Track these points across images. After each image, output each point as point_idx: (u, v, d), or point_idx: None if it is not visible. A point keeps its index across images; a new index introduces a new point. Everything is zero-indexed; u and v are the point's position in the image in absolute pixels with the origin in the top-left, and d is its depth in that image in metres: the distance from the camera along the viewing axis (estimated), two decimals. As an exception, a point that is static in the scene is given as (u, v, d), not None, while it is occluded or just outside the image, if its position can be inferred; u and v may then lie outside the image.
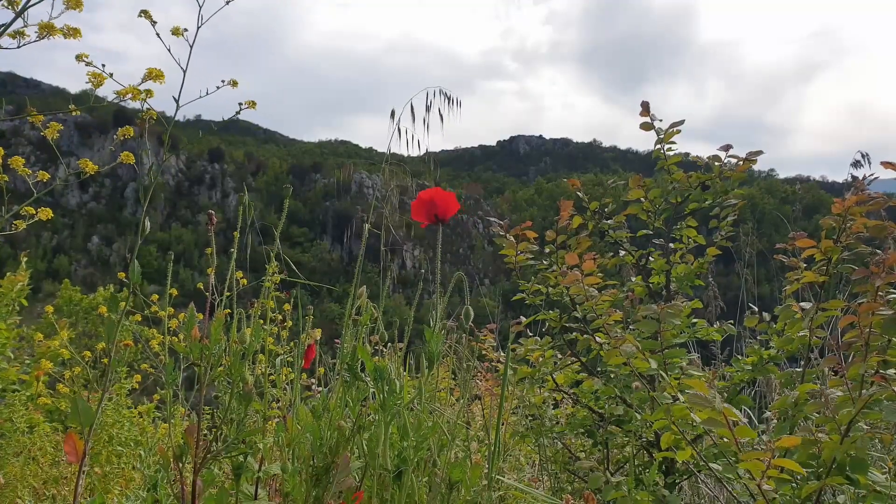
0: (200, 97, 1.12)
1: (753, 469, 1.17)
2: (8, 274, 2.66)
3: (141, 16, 1.08)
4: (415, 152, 2.71)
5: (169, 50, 1.08)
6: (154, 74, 1.09)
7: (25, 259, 2.70)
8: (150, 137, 1.15)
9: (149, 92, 1.12)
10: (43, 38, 1.09)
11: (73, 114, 1.17)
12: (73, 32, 1.10)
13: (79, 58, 1.09)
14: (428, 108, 2.62)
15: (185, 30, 1.10)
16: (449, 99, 2.69)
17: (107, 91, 1.12)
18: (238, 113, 1.18)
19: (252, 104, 1.19)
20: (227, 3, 1.12)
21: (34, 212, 1.49)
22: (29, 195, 1.38)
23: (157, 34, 1.07)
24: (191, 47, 1.09)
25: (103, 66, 1.10)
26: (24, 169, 1.37)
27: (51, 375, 2.79)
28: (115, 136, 1.23)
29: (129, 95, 1.10)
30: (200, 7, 1.09)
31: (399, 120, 2.50)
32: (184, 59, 1.10)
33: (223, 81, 1.15)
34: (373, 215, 1.61)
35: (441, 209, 1.41)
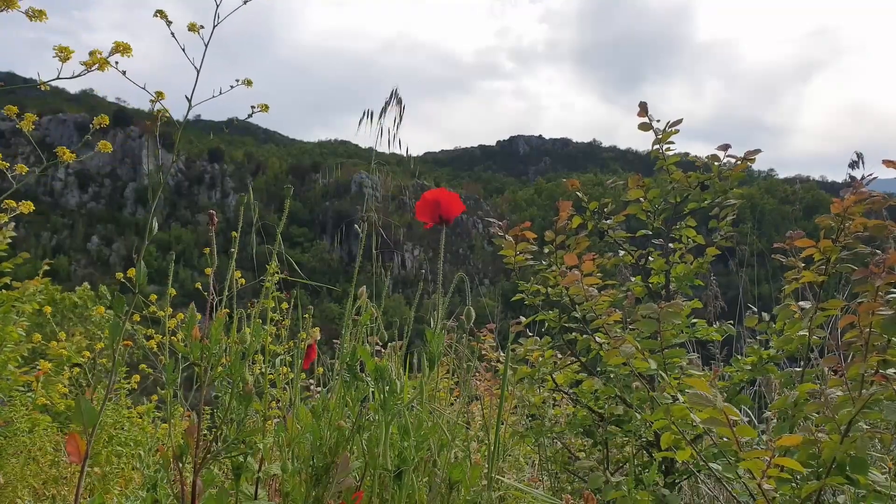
0: (213, 97, 1.11)
1: (753, 468, 1.17)
2: (33, 280, 2.72)
3: (156, 16, 1.07)
4: (403, 152, 2.76)
5: (183, 50, 1.07)
6: (122, 48, 1.08)
7: (46, 267, 2.81)
8: (152, 137, 1.15)
9: (160, 94, 1.11)
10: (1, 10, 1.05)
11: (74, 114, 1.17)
12: (37, 15, 1.08)
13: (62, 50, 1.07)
14: (397, 104, 2.69)
15: (202, 27, 1.09)
16: (400, 103, 2.76)
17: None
18: (250, 115, 1.17)
19: (265, 107, 1.17)
20: (245, 2, 1.11)
21: (15, 205, 1.48)
22: (26, 196, 1.37)
23: (172, 34, 1.07)
24: (206, 46, 1.09)
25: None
26: (1, 162, 1.37)
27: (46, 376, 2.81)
28: (113, 134, 1.22)
29: (96, 66, 1.08)
30: (218, 6, 1.09)
31: (370, 117, 2.56)
32: (183, 60, 1.10)
33: (237, 81, 1.14)
34: (368, 215, 1.61)
35: (445, 210, 1.40)
